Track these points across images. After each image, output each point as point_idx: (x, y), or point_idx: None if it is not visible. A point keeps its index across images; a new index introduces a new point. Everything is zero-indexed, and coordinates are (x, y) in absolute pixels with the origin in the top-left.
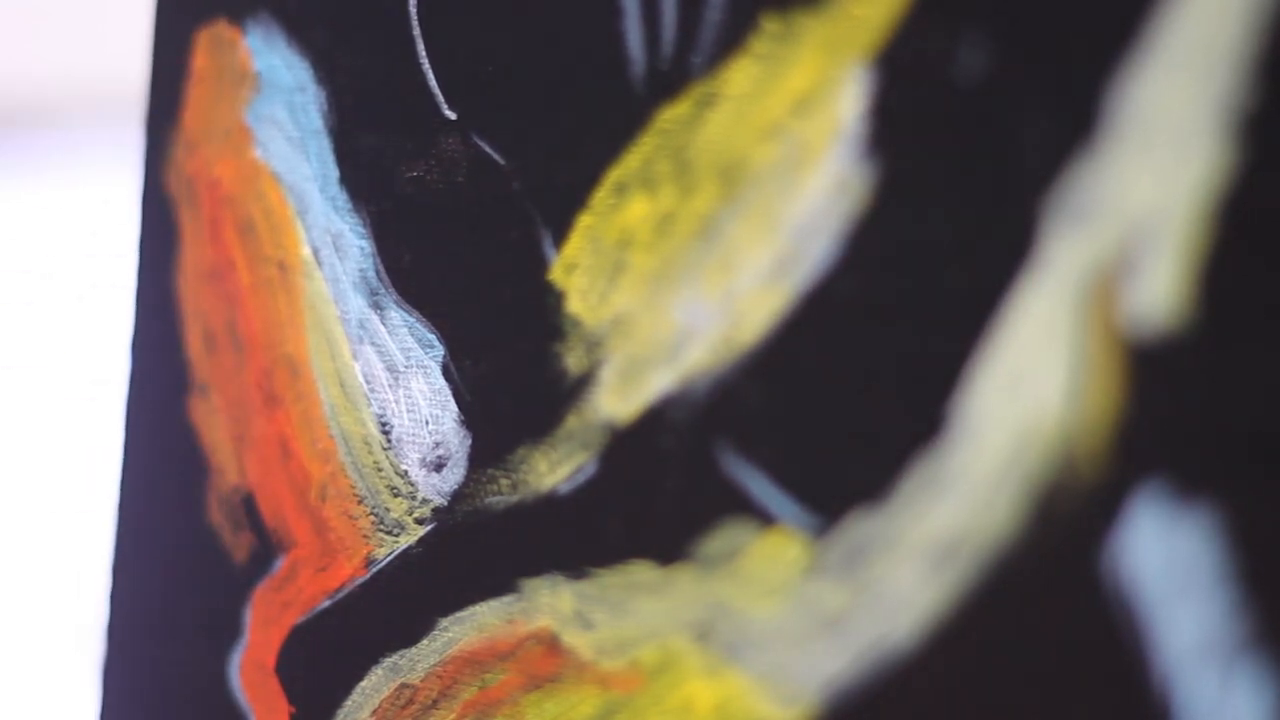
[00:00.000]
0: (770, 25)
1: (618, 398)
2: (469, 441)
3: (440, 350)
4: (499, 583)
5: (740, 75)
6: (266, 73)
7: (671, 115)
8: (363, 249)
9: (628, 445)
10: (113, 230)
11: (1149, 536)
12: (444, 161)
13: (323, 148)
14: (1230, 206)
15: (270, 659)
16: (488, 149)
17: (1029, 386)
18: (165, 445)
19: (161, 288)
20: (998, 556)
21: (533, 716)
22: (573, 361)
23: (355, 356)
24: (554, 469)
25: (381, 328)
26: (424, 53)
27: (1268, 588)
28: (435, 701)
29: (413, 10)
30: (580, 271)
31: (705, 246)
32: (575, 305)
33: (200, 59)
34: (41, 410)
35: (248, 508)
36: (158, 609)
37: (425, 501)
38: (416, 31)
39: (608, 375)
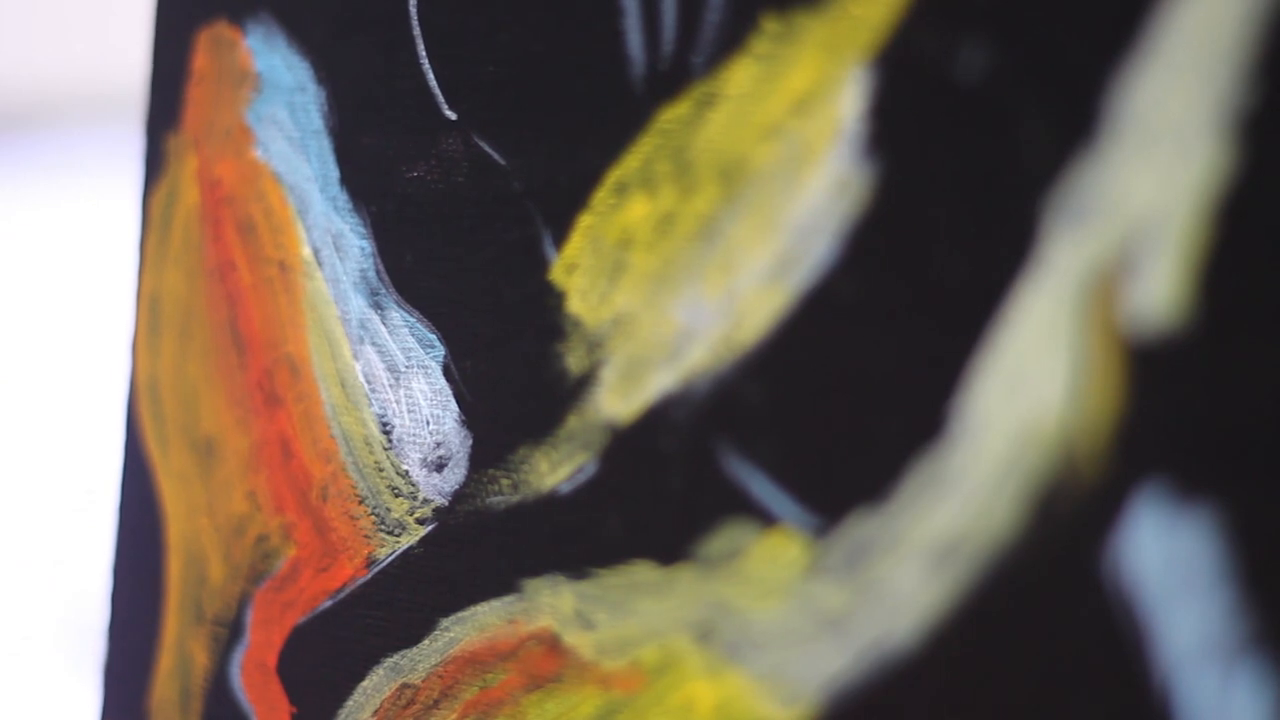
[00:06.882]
0: (770, 25)
1: (618, 398)
2: (470, 441)
3: (441, 350)
4: (500, 583)
5: (740, 75)
6: (267, 73)
7: (672, 115)
8: (363, 249)
9: (628, 445)
10: (112, 230)
11: (1149, 536)
12: (444, 162)
13: (323, 148)
14: (1230, 206)
15: (271, 659)
16: (488, 149)
17: (1029, 386)
18: None
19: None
20: (998, 556)
21: (534, 716)
22: (573, 361)
23: (356, 356)
24: (555, 469)
25: (382, 328)
26: (424, 53)
27: (1268, 588)
28: (436, 701)
29: (413, 10)
30: (580, 271)
31: (705, 246)
32: (575, 305)
33: (200, 59)
34: (41, 410)
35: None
36: (158, 609)
37: (426, 501)
38: (417, 32)
39: (608, 375)
